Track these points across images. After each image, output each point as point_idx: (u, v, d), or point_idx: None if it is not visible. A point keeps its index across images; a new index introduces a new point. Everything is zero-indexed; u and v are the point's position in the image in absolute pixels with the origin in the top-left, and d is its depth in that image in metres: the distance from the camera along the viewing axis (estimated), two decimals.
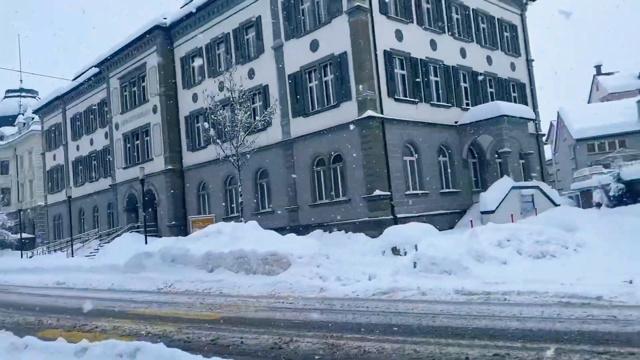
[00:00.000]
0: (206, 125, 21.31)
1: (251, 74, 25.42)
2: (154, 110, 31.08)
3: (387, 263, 15.33)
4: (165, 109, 30.24)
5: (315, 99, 22.70)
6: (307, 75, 22.92)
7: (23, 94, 66.83)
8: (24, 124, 60.10)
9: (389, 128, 20.68)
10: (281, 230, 20.78)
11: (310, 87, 22.89)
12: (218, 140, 20.12)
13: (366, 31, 20.57)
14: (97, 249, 30.01)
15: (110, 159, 35.74)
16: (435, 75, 23.89)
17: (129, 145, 33.81)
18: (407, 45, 22.24)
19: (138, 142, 33.05)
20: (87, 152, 39.79)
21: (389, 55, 21.37)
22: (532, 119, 26.12)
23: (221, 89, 21.26)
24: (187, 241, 17.66)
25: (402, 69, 22.23)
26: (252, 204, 25.39)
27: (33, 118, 56.51)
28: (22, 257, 36.49)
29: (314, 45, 22.29)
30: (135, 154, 33.16)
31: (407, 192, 21.17)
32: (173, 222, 29.47)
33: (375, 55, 20.76)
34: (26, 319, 10.84)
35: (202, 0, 27.50)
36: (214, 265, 16.01)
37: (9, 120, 65.00)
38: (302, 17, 23.04)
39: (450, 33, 24.90)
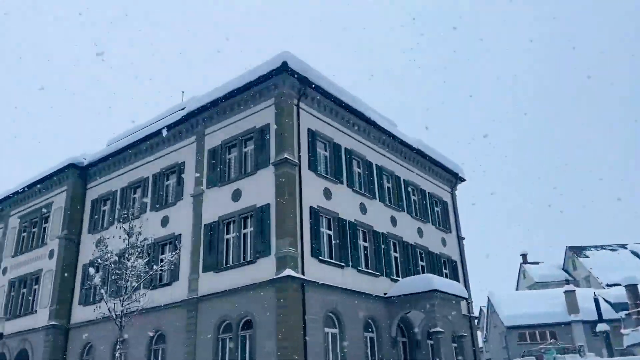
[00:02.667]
0: (92, 270, 17.99)
1: (165, 221, 22.97)
2: (50, 255, 27.23)
3: None
4: (63, 254, 26.51)
5: (231, 253, 20.18)
6: (224, 227, 20.70)
7: None
8: None
9: (309, 292, 18.10)
10: None
11: (227, 239, 20.52)
12: (102, 291, 16.75)
13: (292, 185, 19.14)
14: None
15: None
16: (364, 240, 22.29)
17: (13, 293, 28.94)
18: (335, 205, 20.88)
19: (24, 290, 28.37)
20: None
21: (315, 213, 19.75)
22: (465, 298, 24.35)
23: (129, 235, 18.66)
24: None
25: (329, 228, 20.53)
26: None
27: None
28: None
29: (236, 195, 20.50)
30: (18, 305, 28.24)
31: None
32: None
33: (301, 211, 19.08)
34: None
35: (129, 141, 25.96)
36: None
37: None
38: (228, 166, 21.62)
39: (380, 199, 24.04)
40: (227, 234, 20.65)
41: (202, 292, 20.17)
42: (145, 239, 17.63)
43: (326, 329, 18.70)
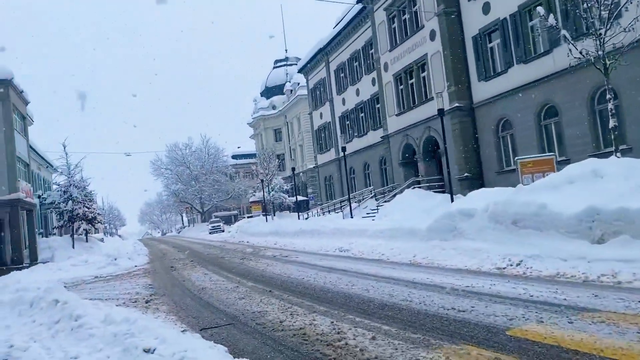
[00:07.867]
0: (541, 10, 13.83)
1: None
2: (432, 37, 24.92)
3: None
4: (446, 32, 23.76)
5: None
6: None
7: (289, 62, 68.87)
8: (291, 90, 61.58)
9: None
10: None
11: None
12: (564, 32, 12.67)
13: None
14: (375, 209, 25.76)
15: (380, 107, 31.26)
16: None
17: (401, 87, 28.58)
18: None
19: (412, 80, 27.52)
20: (354, 104, 36.31)
21: None
22: None
23: None
24: (536, 192, 10.90)
25: None
26: (579, 143, 17.39)
27: (299, 84, 57.05)
28: (298, 219, 35.30)
29: None
30: (410, 96, 27.78)
31: None
32: (465, 174, 23.12)
33: None
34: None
35: None
36: (606, 232, 8.97)
37: (279, 89, 67.91)
38: None
39: None
40: None
41: None
42: None
43: None
